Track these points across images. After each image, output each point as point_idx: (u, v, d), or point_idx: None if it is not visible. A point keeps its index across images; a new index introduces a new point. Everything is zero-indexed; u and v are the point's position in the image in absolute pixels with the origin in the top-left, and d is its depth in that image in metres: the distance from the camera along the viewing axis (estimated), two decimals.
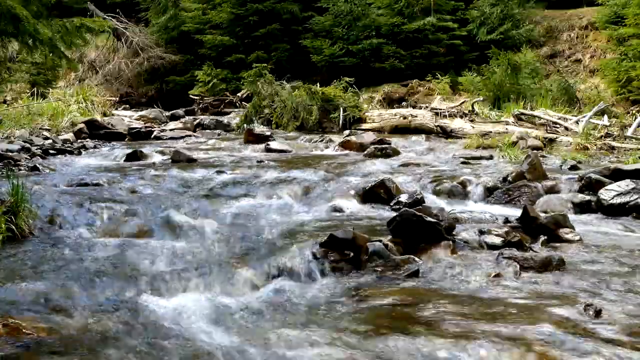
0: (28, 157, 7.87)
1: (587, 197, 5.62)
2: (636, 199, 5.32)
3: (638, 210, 5.27)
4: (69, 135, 10.37)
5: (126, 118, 13.41)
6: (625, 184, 5.49)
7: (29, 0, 6.02)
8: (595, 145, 8.94)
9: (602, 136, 9.39)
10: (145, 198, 5.67)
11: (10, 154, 7.67)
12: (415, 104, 14.44)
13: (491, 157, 8.32)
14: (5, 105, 12.69)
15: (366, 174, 7.03)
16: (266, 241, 4.36)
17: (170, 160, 8.18)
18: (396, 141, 9.95)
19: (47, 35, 5.98)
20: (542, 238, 4.45)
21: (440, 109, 12.11)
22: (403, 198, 5.54)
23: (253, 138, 10.49)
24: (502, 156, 8.38)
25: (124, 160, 8.31)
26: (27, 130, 9.93)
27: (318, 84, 13.77)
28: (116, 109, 16.05)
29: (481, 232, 4.44)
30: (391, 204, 5.56)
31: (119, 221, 4.91)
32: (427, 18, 16.55)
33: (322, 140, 10.36)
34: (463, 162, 7.89)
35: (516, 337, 2.83)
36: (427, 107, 12.79)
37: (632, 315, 3.13)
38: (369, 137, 9.90)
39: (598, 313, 3.10)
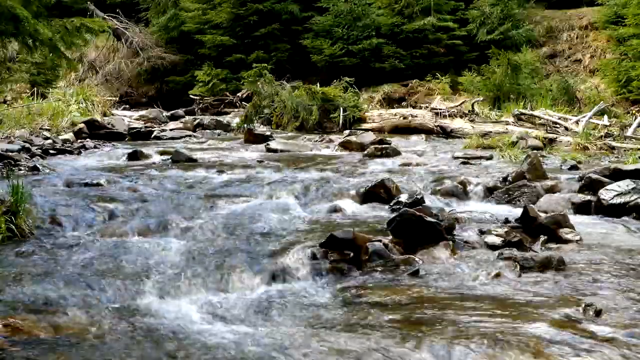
0: (28, 157, 7.86)
1: (587, 197, 5.61)
2: (636, 199, 5.31)
3: (638, 210, 5.25)
4: (69, 135, 10.36)
5: (126, 118, 13.42)
6: (625, 184, 5.47)
7: (29, 0, 6.01)
8: (595, 145, 8.95)
9: (602, 136, 9.40)
10: (145, 198, 5.66)
11: (10, 154, 7.65)
12: (415, 104, 14.48)
13: (491, 157, 8.32)
14: (5, 105, 12.66)
15: (366, 173, 7.04)
16: (266, 241, 4.36)
17: (170, 160, 8.18)
18: (396, 141, 9.96)
19: (47, 35, 5.97)
20: (542, 238, 4.45)
21: (440, 109, 12.13)
22: (403, 198, 5.53)
23: (253, 138, 10.50)
24: (502, 156, 8.38)
25: (124, 160, 8.32)
26: (27, 130, 9.92)
27: (318, 84, 13.78)
28: (116, 109, 16.04)
29: (481, 232, 4.45)
30: (391, 204, 5.54)
31: (119, 221, 4.91)
32: (427, 18, 16.56)
33: (322, 140, 10.37)
34: (463, 162, 7.88)
35: (516, 337, 2.83)
36: (427, 107, 12.82)
37: (632, 315, 3.13)
38: (369, 137, 9.91)
39: (598, 313, 3.10)
